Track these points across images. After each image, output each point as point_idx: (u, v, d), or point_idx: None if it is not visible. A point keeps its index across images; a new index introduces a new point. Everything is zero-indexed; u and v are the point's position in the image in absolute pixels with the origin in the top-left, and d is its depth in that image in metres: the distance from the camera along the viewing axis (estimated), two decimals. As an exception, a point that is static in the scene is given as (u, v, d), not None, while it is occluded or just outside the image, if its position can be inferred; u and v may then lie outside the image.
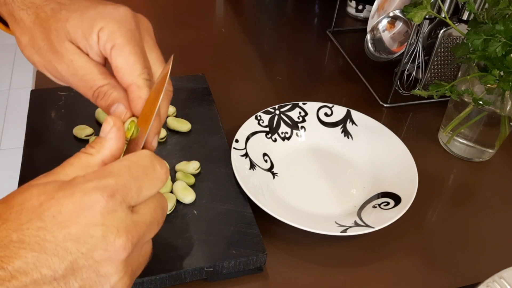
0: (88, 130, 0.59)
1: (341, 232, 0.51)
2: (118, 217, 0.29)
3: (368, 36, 0.75)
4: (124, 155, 0.35)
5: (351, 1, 0.96)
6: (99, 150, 0.33)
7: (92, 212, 0.29)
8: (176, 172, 0.56)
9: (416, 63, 0.71)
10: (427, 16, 0.65)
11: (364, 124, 0.65)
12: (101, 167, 0.32)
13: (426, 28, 0.70)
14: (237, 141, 0.60)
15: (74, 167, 0.32)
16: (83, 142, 0.59)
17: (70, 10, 0.37)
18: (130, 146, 0.36)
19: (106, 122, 0.34)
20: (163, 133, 0.60)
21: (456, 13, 0.68)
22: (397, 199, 0.55)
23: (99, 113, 0.61)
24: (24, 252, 0.27)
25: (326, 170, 0.62)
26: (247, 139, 0.61)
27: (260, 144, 0.62)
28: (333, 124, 0.66)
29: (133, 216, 0.31)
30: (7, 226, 0.27)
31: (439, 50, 0.69)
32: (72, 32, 0.37)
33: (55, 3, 0.38)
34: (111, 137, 0.33)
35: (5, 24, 0.42)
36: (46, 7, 0.37)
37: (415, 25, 0.67)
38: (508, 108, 0.60)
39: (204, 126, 0.63)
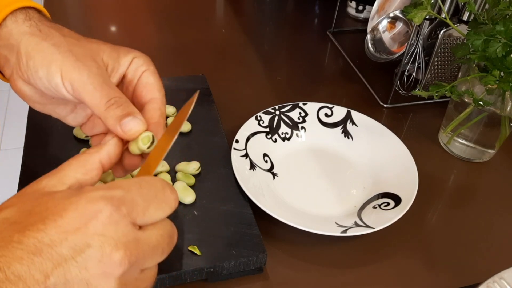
0: (88, 130, 0.59)
1: (341, 232, 0.51)
2: (119, 230, 0.29)
3: (368, 37, 0.75)
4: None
5: (351, 2, 0.96)
6: (98, 150, 0.35)
7: (94, 221, 0.28)
8: (176, 172, 0.56)
9: (416, 64, 0.71)
10: (427, 17, 0.65)
11: (364, 124, 0.65)
12: (97, 165, 0.34)
13: (426, 28, 0.70)
14: (237, 141, 0.60)
15: (73, 166, 0.33)
16: (83, 143, 0.59)
17: (102, 43, 0.41)
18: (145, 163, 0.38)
19: (109, 135, 0.37)
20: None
21: (456, 13, 0.68)
22: (397, 200, 0.55)
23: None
24: (21, 253, 0.26)
25: (326, 170, 0.62)
26: (247, 139, 0.61)
27: (260, 145, 0.62)
28: (333, 125, 0.66)
29: (137, 233, 0.30)
30: (13, 227, 0.28)
31: (439, 51, 0.69)
32: (108, 51, 0.40)
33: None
34: (111, 143, 0.36)
35: None
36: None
37: (415, 25, 0.67)
38: (508, 108, 0.60)
39: (204, 126, 0.63)
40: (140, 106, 0.40)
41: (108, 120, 0.37)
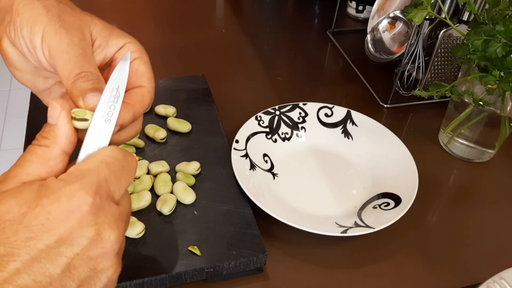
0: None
1: (342, 232, 0.51)
2: (107, 213, 0.30)
3: (368, 37, 0.75)
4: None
5: (351, 2, 0.96)
6: (55, 140, 0.32)
7: (81, 213, 0.29)
8: (176, 172, 0.56)
9: (416, 64, 0.71)
10: (427, 17, 0.65)
11: (364, 124, 0.65)
12: (61, 157, 0.32)
13: (426, 28, 0.70)
14: (237, 141, 0.60)
15: (34, 164, 0.31)
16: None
17: (96, 18, 0.40)
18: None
19: (52, 107, 0.32)
20: (163, 133, 0.60)
21: (456, 13, 0.68)
22: (397, 200, 0.55)
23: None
24: (14, 264, 0.27)
25: (326, 170, 0.62)
26: (247, 139, 0.61)
27: (260, 145, 0.62)
28: (333, 125, 0.66)
29: (118, 208, 0.32)
30: None
31: (439, 51, 0.69)
32: (100, 26, 0.38)
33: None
34: (63, 123, 0.32)
35: None
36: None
37: (415, 25, 0.67)
38: (508, 108, 0.60)
39: (204, 126, 0.63)
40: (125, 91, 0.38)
41: (73, 92, 0.34)
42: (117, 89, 0.34)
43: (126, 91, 0.37)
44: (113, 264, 0.31)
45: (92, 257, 0.29)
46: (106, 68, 0.40)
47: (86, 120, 0.33)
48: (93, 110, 0.34)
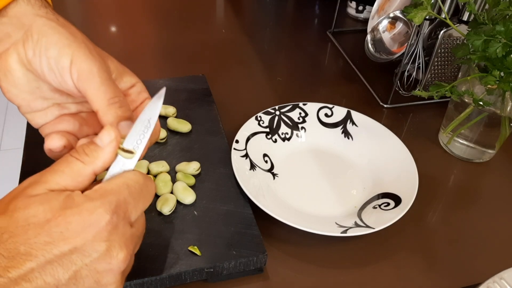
0: (89, 130, 0.59)
1: (342, 233, 0.51)
2: (120, 232, 0.33)
3: (368, 37, 0.75)
4: None
5: (351, 2, 0.96)
6: (93, 161, 0.35)
7: (97, 228, 0.32)
8: (176, 172, 0.56)
9: (416, 64, 0.71)
10: (427, 17, 0.65)
11: (365, 124, 0.65)
12: (90, 176, 0.35)
13: (426, 28, 0.70)
14: (237, 141, 0.60)
15: (65, 175, 0.34)
16: (83, 143, 0.59)
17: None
18: None
19: (107, 132, 0.35)
20: (163, 133, 0.60)
21: (456, 13, 0.68)
22: (397, 200, 0.55)
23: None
24: (30, 264, 0.30)
25: (326, 171, 0.62)
26: (248, 139, 0.61)
27: (260, 145, 0.62)
28: (333, 125, 0.66)
29: (131, 230, 0.34)
30: (15, 239, 0.30)
31: (439, 51, 0.69)
32: (115, 62, 0.42)
33: None
34: (109, 151, 0.35)
35: None
36: None
37: (415, 25, 0.67)
38: (508, 109, 0.60)
39: (204, 126, 0.63)
40: None
41: (107, 117, 0.37)
42: (149, 120, 0.38)
43: None
44: (116, 281, 0.33)
45: (98, 270, 0.32)
46: None
47: (132, 153, 0.37)
48: (123, 137, 0.37)
